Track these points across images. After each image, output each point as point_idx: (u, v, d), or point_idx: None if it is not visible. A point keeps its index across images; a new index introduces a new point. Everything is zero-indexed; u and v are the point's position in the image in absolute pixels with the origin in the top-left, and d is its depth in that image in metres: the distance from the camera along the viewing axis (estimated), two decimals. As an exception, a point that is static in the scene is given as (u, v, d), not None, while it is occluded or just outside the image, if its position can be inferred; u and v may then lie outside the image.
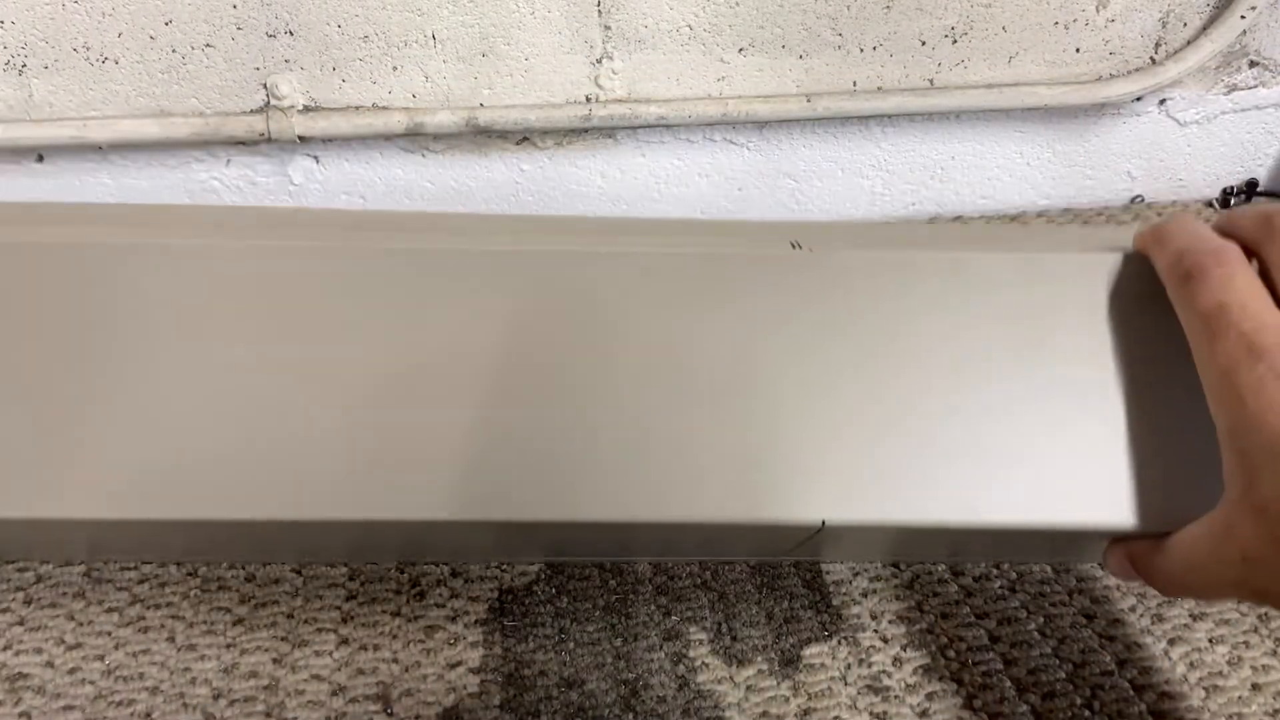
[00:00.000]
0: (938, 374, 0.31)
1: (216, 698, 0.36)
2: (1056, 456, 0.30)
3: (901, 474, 0.30)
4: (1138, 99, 0.65)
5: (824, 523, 0.30)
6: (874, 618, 0.40)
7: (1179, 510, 0.29)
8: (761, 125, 0.63)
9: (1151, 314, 0.30)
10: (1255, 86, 0.67)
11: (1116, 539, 0.32)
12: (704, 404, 0.30)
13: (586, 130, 0.62)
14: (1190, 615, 0.40)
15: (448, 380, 0.30)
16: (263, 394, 0.30)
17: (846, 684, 0.37)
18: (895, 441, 0.30)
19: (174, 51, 0.56)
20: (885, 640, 0.39)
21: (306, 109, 0.58)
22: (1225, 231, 0.27)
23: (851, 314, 0.31)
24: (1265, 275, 0.25)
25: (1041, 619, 0.40)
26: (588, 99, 0.60)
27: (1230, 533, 0.24)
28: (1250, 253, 0.26)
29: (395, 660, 0.38)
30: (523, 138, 0.62)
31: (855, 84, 0.62)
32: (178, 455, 0.29)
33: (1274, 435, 0.22)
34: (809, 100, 0.61)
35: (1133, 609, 0.41)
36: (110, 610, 0.39)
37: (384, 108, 0.59)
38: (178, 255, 0.30)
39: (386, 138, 0.60)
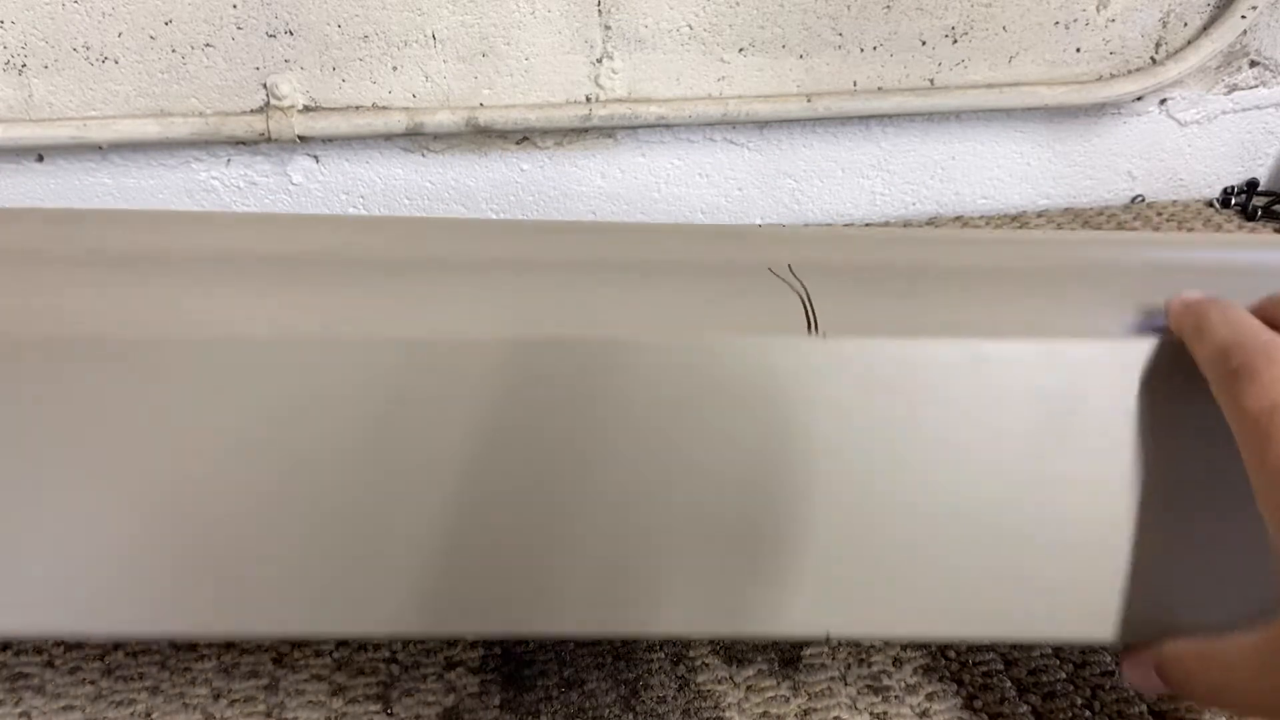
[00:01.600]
0: (950, 474, 0.28)
1: (216, 698, 0.36)
2: (1077, 565, 0.28)
3: (910, 585, 0.28)
4: (1138, 99, 0.65)
5: (829, 635, 0.29)
6: (874, 618, 0.40)
7: (1213, 617, 0.27)
8: (762, 125, 0.63)
9: (1185, 407, 0.28)
10: (1256, 86, 0.67)
11: (1131, 646, 0.30)
12: (701, 508, 0.28)
13: (586, 130, 0.62)
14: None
15: (426, 480, 0.27)
16: (220, 496, 0.27)
17: (846, 684, 0.37)
18: (903, 550, 0.28)
19: (174, 51, 0.56)
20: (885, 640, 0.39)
21: (306, 109, 0.58)
22: (1268, 319, 0.26)
23: (862, 411, 0.28)
24: None
25: (1042, 619, 0.40)
26: (588, 99, 0.60)
27: None
28: None
29: (395, 660, 0.38)
30: (523, 137, 0.62)
31: (855, 84, 0.62)
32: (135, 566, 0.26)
33: None
34: (809, 100, 0.61)
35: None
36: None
37: (384, 107, 0.59)
38: (130, 352, 0.27)
39: (386, 137, 0.60)
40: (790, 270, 0.31)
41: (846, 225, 0.69)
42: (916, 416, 0.28)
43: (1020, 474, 0.29)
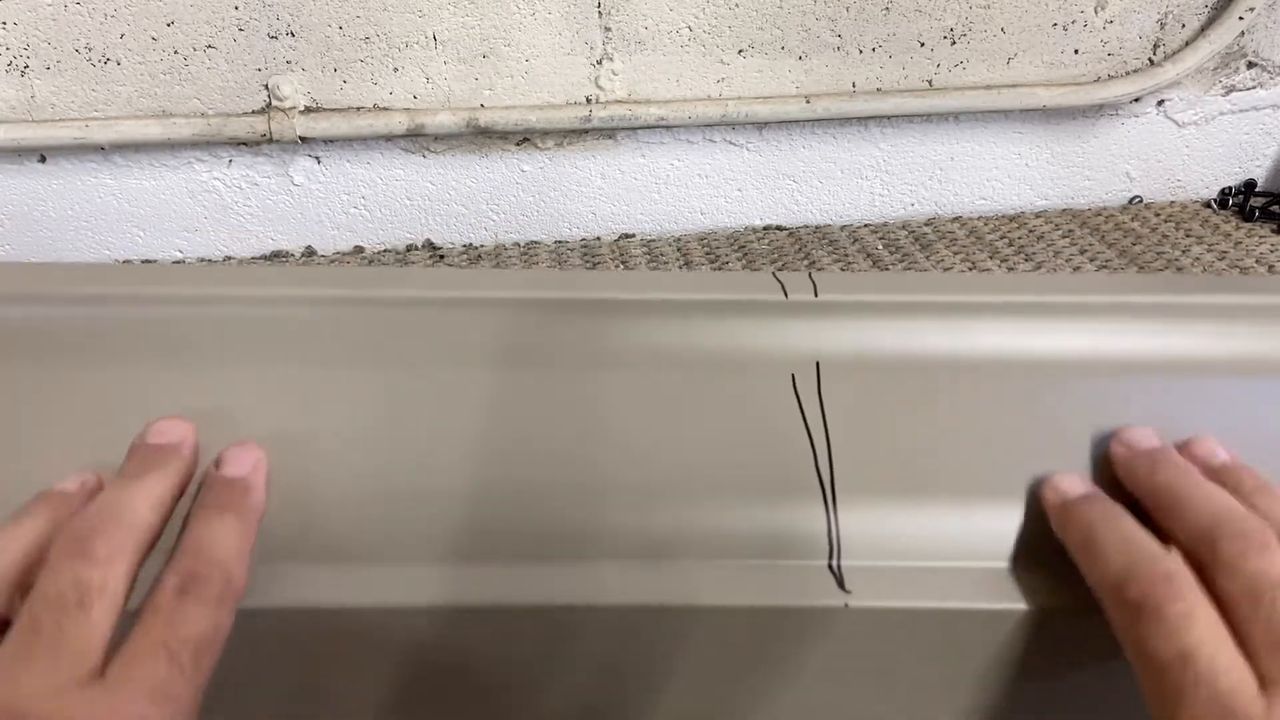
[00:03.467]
0: None
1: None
2: None
3: None
4: (1136, 100, 0.65)
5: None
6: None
7: None
8: (761, 126, 0.63)
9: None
10: (1253, 87, 0.67)
11: None
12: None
13: (587, 131, 0.62)
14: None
15: None
16: None
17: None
18: None
19: (176, 53, 0.56)
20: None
21: (308, 110, 0.58)
22: (1159, 524, 0.23)
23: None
24: (1216, 604, 0.21)
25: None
26: (588, 100, 0.60)
27: None
28: (1194, 566, 0.22)
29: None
30: (523, 138, 0.62)
31: (854, 85, 0.62)
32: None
33: None
34: (808, 101, 0.61)
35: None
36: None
37: (385, 109, 0.59)
38: None
39: (387, 138, 0.61)
40: (818, 394, 0.28)
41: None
42: None
43: None
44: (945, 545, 0.25)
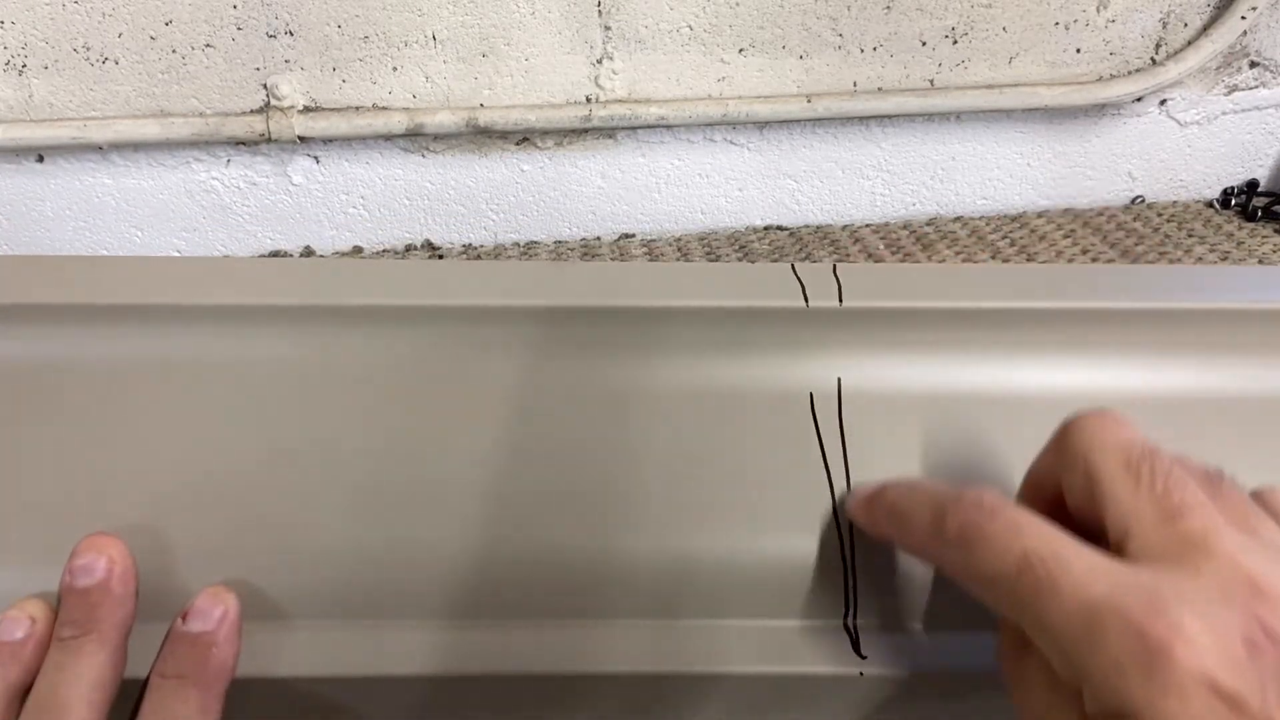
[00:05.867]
0: None
1: None
2: None
3: None
4: (1138, 99, 0.65)
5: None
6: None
7: None
8: (762, 125, 0.63)
9: None
10: (1256, 87, 0.67)
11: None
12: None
13: (587, 130, 0.62)
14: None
15: None
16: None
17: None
18: None
19: (174, 52, 0.56)
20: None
21: (307, 109, 0.58)
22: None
23: None
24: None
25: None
26: (588, 99, 0.60)
27: None
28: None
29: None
30: (523, 138, 0.62)
31: (855, 84, 0.62)
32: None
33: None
34: (809, 101, 0.61)
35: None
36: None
37: (384, 108, 0.59)
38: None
39: (387, 138, 0.60)
40: (839, 417, 0.25)
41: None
42: None
43: None
44: (960, 611, 0.23)
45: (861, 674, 0.23)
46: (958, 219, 0.69)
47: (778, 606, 0.24)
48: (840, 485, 0.24)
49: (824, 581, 0.24)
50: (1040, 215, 0.70)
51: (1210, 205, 0.71)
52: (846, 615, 0.24)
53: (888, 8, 0.59)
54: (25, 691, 0.22)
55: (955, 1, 0.59)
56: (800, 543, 0.24)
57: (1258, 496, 0.20)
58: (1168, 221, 0.68)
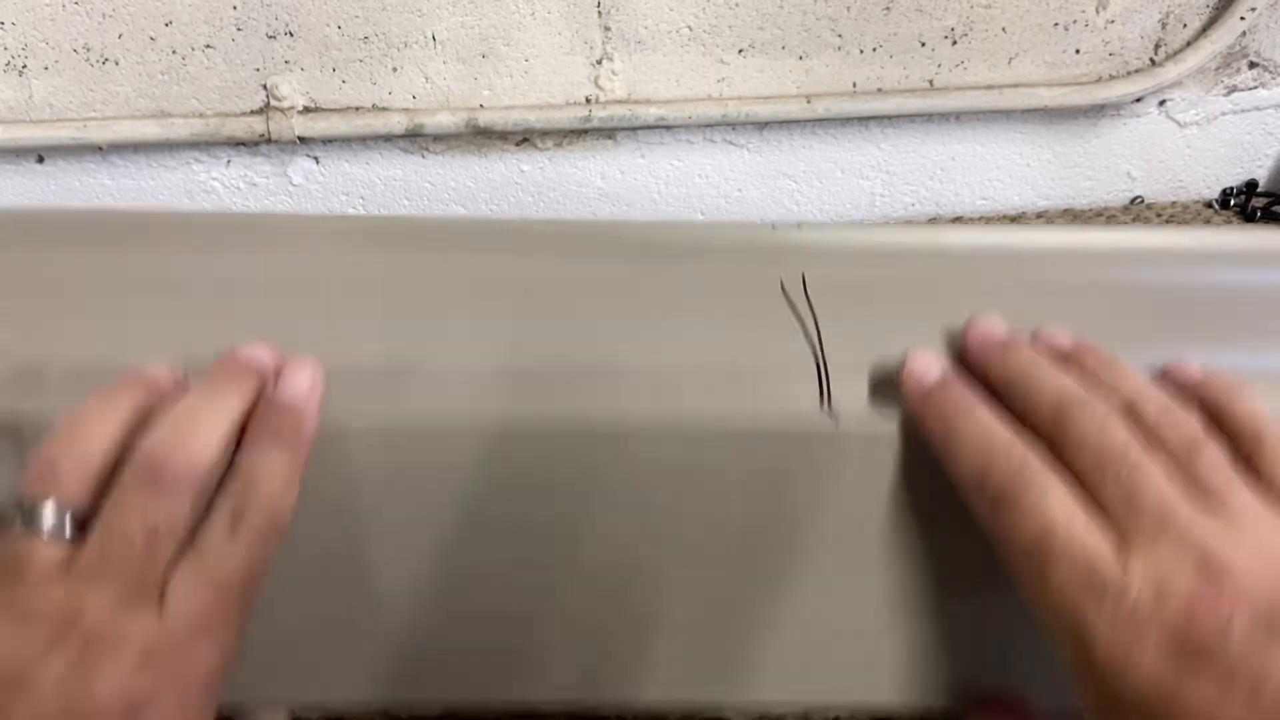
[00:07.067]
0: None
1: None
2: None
3: (861, 657, 0.29)
4: (1137, 100, 0.65)
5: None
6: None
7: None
8: (761, 126, 0.63)
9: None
10: (1255, 88, 0.67)
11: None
12: (688, 582, 0.28)
13: (586, 131, 0.62)
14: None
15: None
16: None
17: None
18: (857, 625, 0.29)
19: (174, 52, 0.56)
20: None
21: (306, 110, 0.58)
22: (1014, 409, 0.25)
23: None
24: (1073, 479, 0.23)
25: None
26: (587, 100, 0.60)
27: None
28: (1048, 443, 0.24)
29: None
30: (523, 138, 0.62)
31: (855, 85, 0.62)
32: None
33: (1138, 684, 0.20)
34: (809, 101, 0.61)
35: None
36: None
37: (384, 109, 0.59)
38: None
39: (386, 138, 0.60)
40: (805, 292, 0.29)
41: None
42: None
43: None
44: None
45: (835, 417, 0.27)
46: (957, 219, 0.69)
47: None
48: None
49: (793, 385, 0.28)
50: (1040, 215, 0.70)
51: (1209, 206, 0.71)
52: (821, 400, 0.27)
53: (887, 8, 0.59)
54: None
55: (955, 2, 0.59)
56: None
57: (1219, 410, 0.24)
58: (1167, 222, 0.68)
